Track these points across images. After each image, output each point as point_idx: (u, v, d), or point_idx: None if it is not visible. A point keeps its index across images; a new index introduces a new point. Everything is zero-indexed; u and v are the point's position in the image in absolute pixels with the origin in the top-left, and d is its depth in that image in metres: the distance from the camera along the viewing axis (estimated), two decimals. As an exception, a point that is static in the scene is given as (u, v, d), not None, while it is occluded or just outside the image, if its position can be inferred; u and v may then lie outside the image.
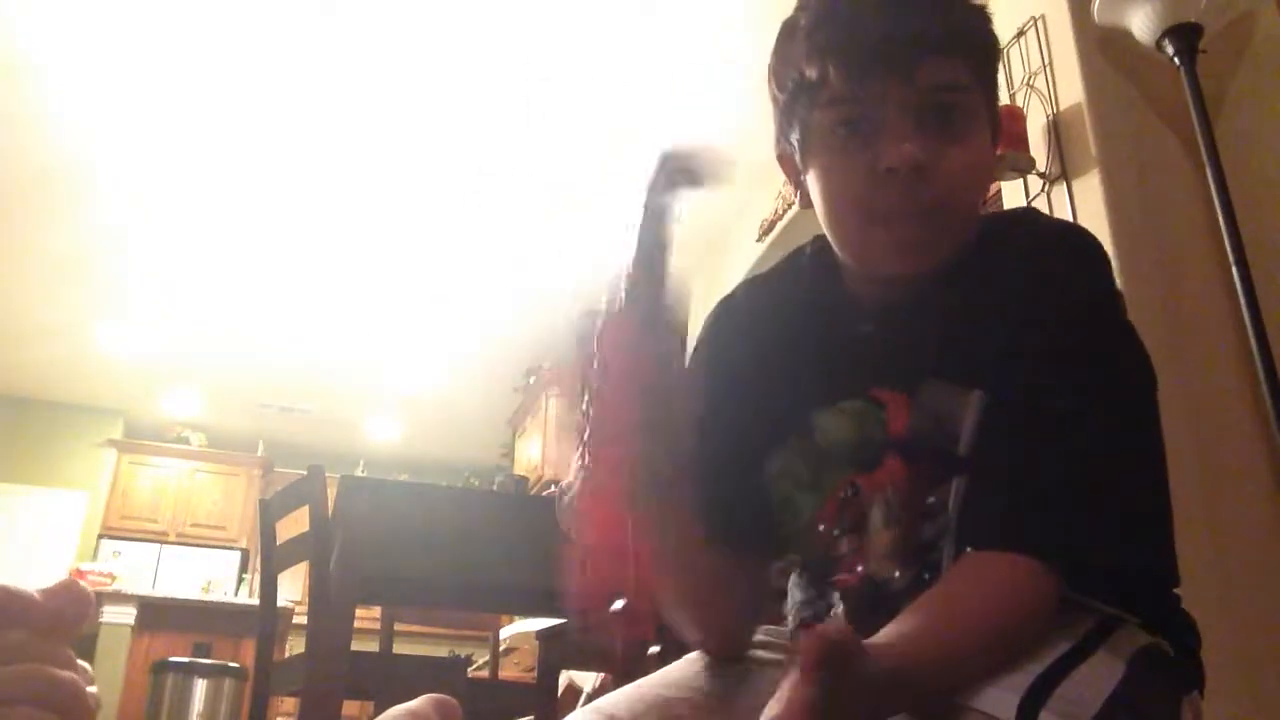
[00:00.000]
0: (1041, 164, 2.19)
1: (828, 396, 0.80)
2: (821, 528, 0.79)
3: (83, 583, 0.39)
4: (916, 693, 0.57)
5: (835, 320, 0.83)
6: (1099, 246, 0.78)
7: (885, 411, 0.77)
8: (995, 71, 0.81)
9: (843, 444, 0.78)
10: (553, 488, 5.17)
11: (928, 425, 0.74)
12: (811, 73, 0.76)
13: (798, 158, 0.81)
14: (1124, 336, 0.75)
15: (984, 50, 0.78)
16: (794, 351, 0.83)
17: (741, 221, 4.57)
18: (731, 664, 0.81)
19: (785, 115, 0.80)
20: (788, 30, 0.80)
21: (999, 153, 2.15)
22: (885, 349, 0.79)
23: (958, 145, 0.74)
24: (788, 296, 0.88)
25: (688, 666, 0.81)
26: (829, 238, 0.81)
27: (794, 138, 0.80)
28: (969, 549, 0.68)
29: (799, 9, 0.79)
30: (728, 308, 0.91)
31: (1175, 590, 0.77)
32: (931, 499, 0.74)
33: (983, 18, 0.79)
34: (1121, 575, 0.69)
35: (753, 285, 0.92)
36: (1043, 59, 2.25)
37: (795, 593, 0.87)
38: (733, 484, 0.81)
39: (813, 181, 0.79)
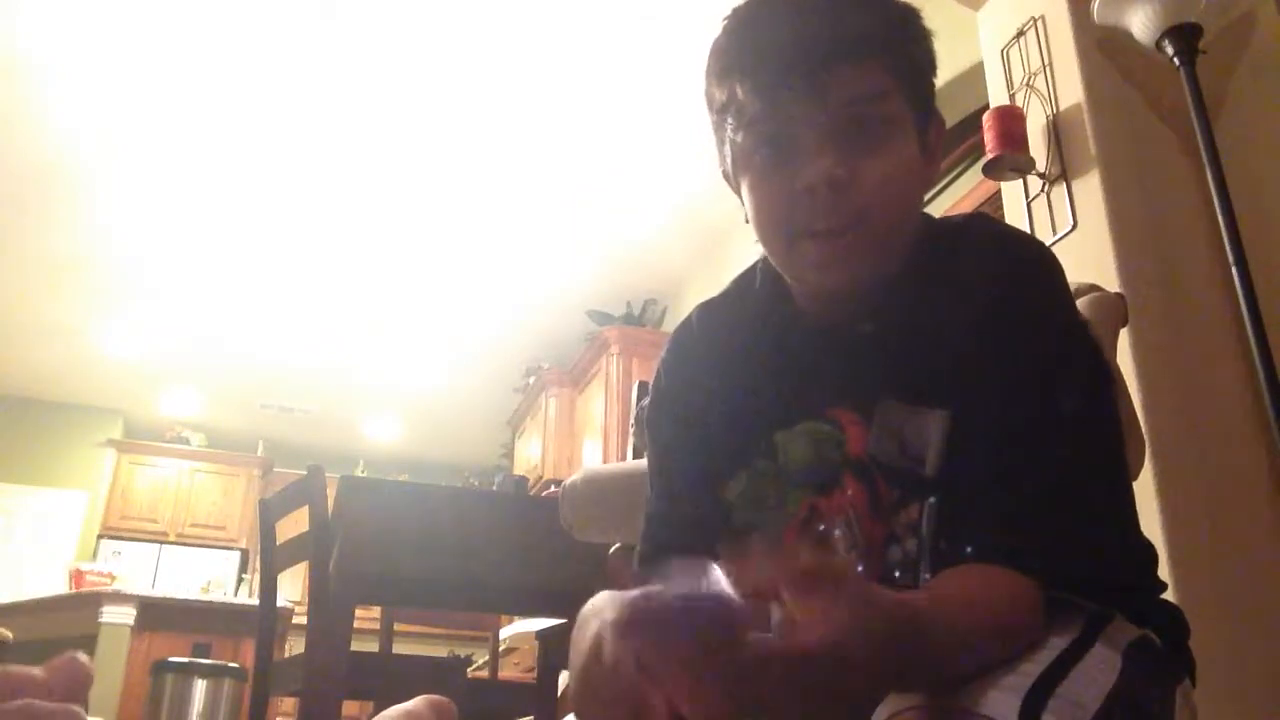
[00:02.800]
0: (1041, 164, 2.19)
1: (785, 418, 0.79)
2: None
3: (84, 658, 0.37)
4: (921, 653, 0.53)
5: (788, 339, 0.82)
6: (1052, 255, 0.78)
7: (843, 432, 0.76)
8: (922, 71, 0.77)
9: (800, 466, 0.78)
10: (552, 488, 5.17)
11: (890, 446, 0.74)
12: (721, 94, 0.75)
13: (731, 176, 0.81)
14: (1085, 345, 0.76)
15: (902, 51, 0.75)
16: (750, 374, 0.83)
17: (742, 222, 4.56)
18: None
19: (716, 135, 0.80)
20: (711, 47, 0.78)
21: (998, 154, 2.16)
22: (838, 367, 0.79)
23: (876, 157, 0.72)
24: (741, 318, 0.87)
25: None
26: (767, 255, 0.81)
27: (726, 157, 0.80)
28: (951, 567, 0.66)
29: (722, 24, 0.78)
30: (685, 335, 0.90)
31: (1157, 581, 0.78)
32: (898, 521, 0.73)
33: (900, 16, 0.76)
34: (1106, 576, 0.69)
35: (707, 310, 0.91)
36: (1043, 59, 2.25)
37: None
38: (697, 510, 0.82)
39: (744, 200, 0.79)
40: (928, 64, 0.78)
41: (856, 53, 0.71)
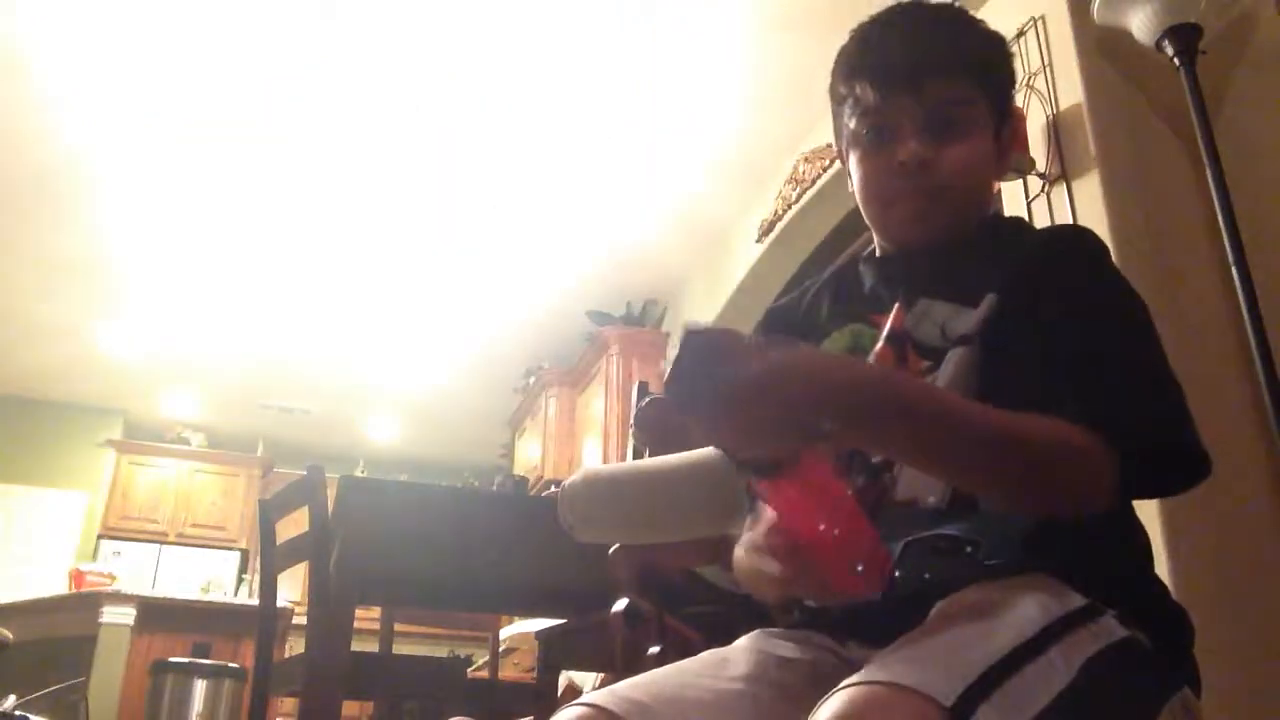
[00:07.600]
0: (1041, 164, 2.19)
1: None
2: None
3: None
4: (900, 412, 0.70)
5: (862, 289, 1.00)
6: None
7: (877, 329, 0.91)
8: (1002, 84, 0.98)
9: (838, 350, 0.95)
10: (552, 488, 5.17)
11: (930, 330, 0.88)
12: (845, 89, 0.96)
13: (844, 154, 1.01)
14: (1124, 280, 0.90)
15: (987, 68, 0.95)
16: (823, 323, 1.01)
17: (742, 222, 4.56)
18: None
19: (835, 121, 1.00)
20: (839, 53, 0.99)
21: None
22: (894, 289, 0.95)
23: (958, 144, 0.91)
24: (828, 287, 1.05)
25: (699, 663, 0.83)
26: (866, 220, 0.99)
27: (842, 141, 1.01)
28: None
29: (850, 34, 0.99)
30: (780, 310, 1.08)
31: (1155, 578, 0.79)
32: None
33: (989, 42, 0.97)
34: (1172, 458, 0.77)
35: (804, 290, 1.08)
36: (1042, 59, 2.25)
37: None
38: None
39: (851, 174, 0.98)
40: (1008, 79, 0.99)
41: (950, 66, 0.92)
